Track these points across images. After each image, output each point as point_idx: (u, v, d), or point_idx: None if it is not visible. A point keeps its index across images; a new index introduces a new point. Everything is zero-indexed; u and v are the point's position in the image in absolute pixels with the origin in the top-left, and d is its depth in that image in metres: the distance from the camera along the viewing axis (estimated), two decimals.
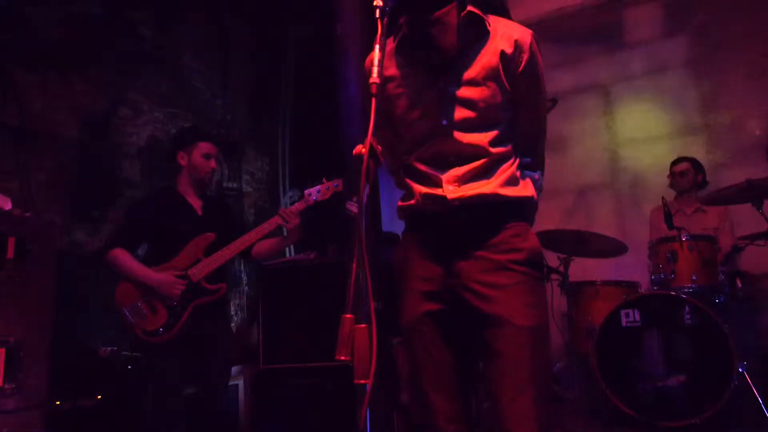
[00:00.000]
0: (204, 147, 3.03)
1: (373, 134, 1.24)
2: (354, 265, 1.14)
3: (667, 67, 4.79)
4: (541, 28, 1.66)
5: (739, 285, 3.37)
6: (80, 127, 3.90)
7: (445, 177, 1.52)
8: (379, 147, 1.29)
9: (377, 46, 1.29)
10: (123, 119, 4.21)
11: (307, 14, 5.23)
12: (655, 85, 4.82)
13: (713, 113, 4.61)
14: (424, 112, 1.55)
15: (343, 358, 1.12)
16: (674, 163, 4.20)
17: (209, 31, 5.01)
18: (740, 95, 4.46)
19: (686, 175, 4.10)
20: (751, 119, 4.44)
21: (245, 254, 3.08)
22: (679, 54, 4.79)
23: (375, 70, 1.26)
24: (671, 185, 4.22)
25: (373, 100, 1.24)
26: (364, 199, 1.24)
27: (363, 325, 1.13)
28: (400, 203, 1.65)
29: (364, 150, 1.22)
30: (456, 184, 1.51)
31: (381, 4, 1.31)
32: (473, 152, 1.52)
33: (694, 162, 4.13)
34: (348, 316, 1.14)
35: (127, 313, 2.82)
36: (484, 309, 1.47)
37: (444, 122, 1.52)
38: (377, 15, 1.32)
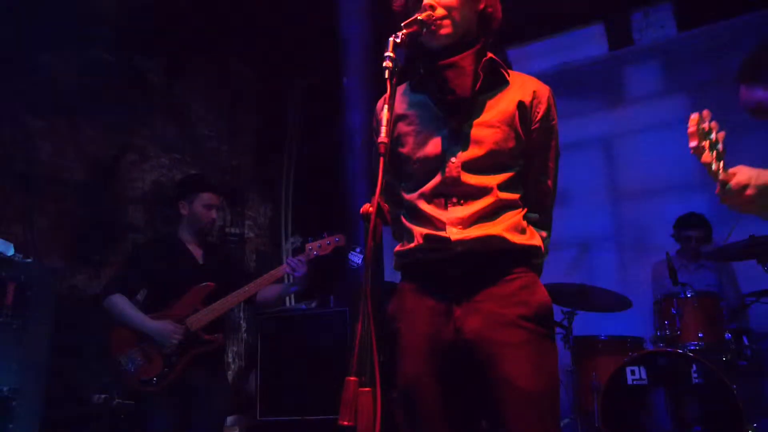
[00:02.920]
0: (206, 198, 3.04)
1: (381, 193, 1.23)
2: (359, 327, 1.12)
3: (668, 122, 4.84)
4: (541, 81, 1.69)
5: (746, 343, 3.30)
6: (86, 172, 3.93)
7: (449, 219, 1.48)
8: (387, 206, 1.27)
9: (386, 106, 1.29)
10: (129, 165, 4.25)
11: (313, 63, 5.34)
12: (656, 140, 4.86)
13: None
14: (433, 150, 1.53)
15: (346, 423, 1.08)
16: (686, 225, 3.98)
17: (216, 79, 5.11)
18: (741, 152, 4.49)
19: (699, 239, 3.93)
20: None
21: (249, 300, 3.05)
22: (679, 110, 4.85)
23: (383, 130, 1.26)
24: (678, 242, 4.08)
25: (381, 160, 1.22)
26: (371, 256, 1.22)
27: (367, 389, 1.10)
28: (398, 248, 1.60)
29: (371, 209, 1.20)
30: (460, 226, 1.47)
31: (390, 65, 1.31)
32: (479, 193, 1.49)
33: (705, 223, 3.95)
34: (352, 379, 1.10)
35: (122, 361, 2.79)
36: (490, 370, 1.41)
37: (453, 160, 1.50)
38: (386, 75, 1.31)
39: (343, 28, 3.47)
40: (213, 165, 4.92)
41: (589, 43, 5.18)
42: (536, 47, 5.36)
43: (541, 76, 1.66)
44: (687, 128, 1.44)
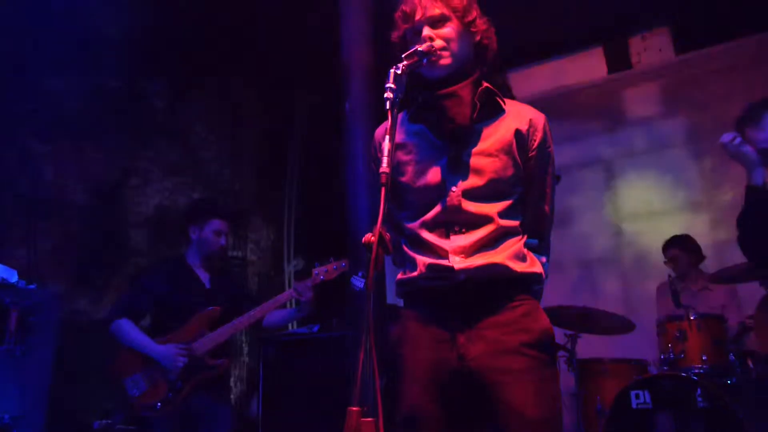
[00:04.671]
0: (216, 224, 3.06)
1: (383, 222, 1.24)
2: (361, 356, 1.12)
3: (668, 144, 4.88)
4: (542, 104, 1.72)
5: (751, 365, 3.28)
6: (90, 195, 3.96)
7: (451, 248, 1.50)
8: (388, 235, 1.29)
9: (387, 137, 1.32)
10: (132, 188, 4.28)
11: (314, 86, 5.40)
12: (656, 161, 4.89)
13: (715, 190, 4.65)
14: (433, 179, 1.55)
15: None
16: (664, 248, 4.12)
17: (219, 102, 5.16)
18: (741, 172, 4.50)
19: (678, 260, 4.02)
20: None
21: (254, 324, 3.05)
22: (679, 132, 4.89)
23: (385, 160, 1.28)
24: (667, 266, 4.12)
25: (383, 190, 1.24)
26: (373, 286, 1.23)
27: (370, 419, 1.10)
28: (400, 276, 1.61)
29: (373, 239, 1.22)
30: (463, 255, 1.48)
31: (391, 96, 1.34)
32: (480, 222, 1.51)
33: (683, 245, 4.04)
34: (355, 408, 1.11)
35: (126, 385, 2.77)
36: (493, 397, 1.42)
37: (453, 189, 1.52)
38: (387, 106, 1.34)
39: (345, 53, 3.51)
40: (215, 188, 4.94)
41: (588, 67, 5.24)
42: (537, 70, 5.42)
43: (542, 99, 1.70)
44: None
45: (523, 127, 1.58)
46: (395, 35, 1.63)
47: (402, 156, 1.61)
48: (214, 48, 4.87)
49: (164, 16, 4.42)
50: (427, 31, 1.53)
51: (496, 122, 1.58)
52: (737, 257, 3.44)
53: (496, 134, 1.56)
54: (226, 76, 5.19)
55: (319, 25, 4.04)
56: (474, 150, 1.55)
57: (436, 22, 1.55)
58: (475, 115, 1.55)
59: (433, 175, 1.55)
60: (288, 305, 3.22)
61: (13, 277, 2.40)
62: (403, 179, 1.61)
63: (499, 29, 1.66)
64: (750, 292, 3.63)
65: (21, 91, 3.66)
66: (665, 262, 4.12)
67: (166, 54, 4.53)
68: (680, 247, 4.05)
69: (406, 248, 1.60)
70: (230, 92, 5.28)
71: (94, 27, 4.09)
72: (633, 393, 3.16)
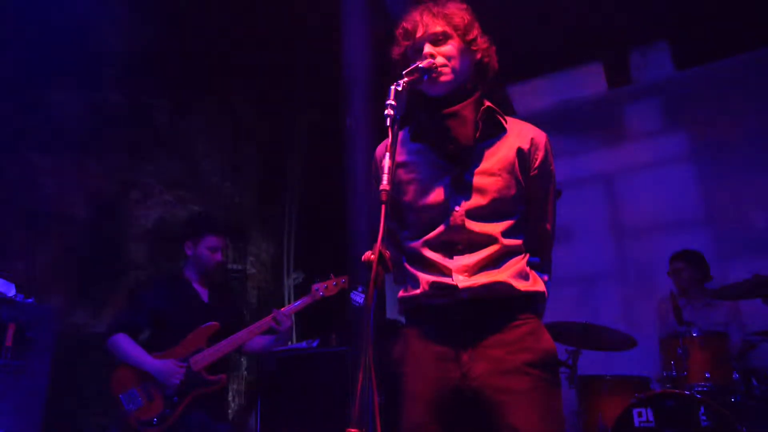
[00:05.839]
0: (210, 240, 3.04)
1: (383, 239, 1.23)
2: (360, 376, 1.10)
3: (669, 159, 4.88)
4: (542, 120, 1.71)
5: (755, 384, 3.24)
6: (90, 209, 3.95)
7: (455, 266, 1.49)
8: (388, 252, 1.28)
9: (388, 154, 1.31)
10: (133, 201, 4.27)
11: (316, 101, 5.42)
12: (658, 176, 4.89)
13: (717, 205, 4.64)
14: (435, 199, 1.54)
15: None
16: (670, 259, 4.10)
17: (220, 116, 5.18)
18: (743, 188, 4.50)
19: (681, 274, 4.00)
20: (755, 211, 4.46)
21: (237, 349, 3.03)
22: (680, 147, 4.89)
23: (385, 177, 1.27)
24: (671, 277, 4.10)
25: (383, 208, 1.23)
26: (372, 304, 1.21)
27: None
28: (402, 294, 1.60)
29: (373, 257, 1.21)
30: (466, 274, 1.48)
31: (392, 113, 1.34)
32: (484, 241, 1.51)
33: (689, 259, 4.01)
34: (353, 431, 1.09)
35: (123, 400, 2.75)
36: (496, 417, 1.41)
37: (456, 209, 1.51)
38: (388, 123, 1.34)
39: (346, 68, 3.52)
40: (216, 202, 4.94)
41: (588, 82, 5.26)
42: (536, 84, 5.43)
43: (542, 114, 1.70)
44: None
45: (525, 146, 1.58)
46: (396, 52, 1.64)
47: (403, 175, 1.60)
48: (215, 63, 4.89)
49: (165, 31, 4.45)
50: (428, 48, 1.53)
51: (498, 141, 1.58)
52: (739, 271, 3.43)
53: (498, 153, 1.56)
54: (226, 90, 5.20)
55: (321, 40, 4.06)
56: (476, 170, 1.54)
57: (438, 40, 1.55)
58: (477, 135, 1.55)
59: (436, 195, 1.55)
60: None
61: (11, 290, 2.39)
62: (405, 198, 1.60)
63: (499, 44, 1.66)
64: (753, 309, 3.60)
65: (22, 105, 3.67)
66: (669, 273, 4.10)
67: (167, 68, 4.55)
68: (685, 261, 4.02)
69: (408, 266, 1.59)
70: (231, 106, 5.30)
71: (96, 41, 4.11)
72: (635, 411, 3.12)
